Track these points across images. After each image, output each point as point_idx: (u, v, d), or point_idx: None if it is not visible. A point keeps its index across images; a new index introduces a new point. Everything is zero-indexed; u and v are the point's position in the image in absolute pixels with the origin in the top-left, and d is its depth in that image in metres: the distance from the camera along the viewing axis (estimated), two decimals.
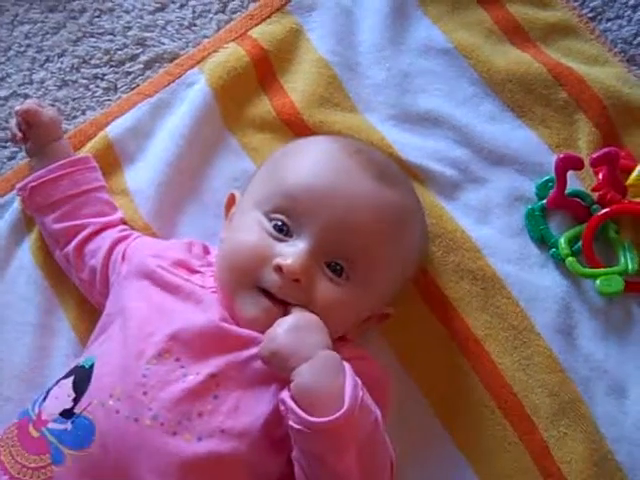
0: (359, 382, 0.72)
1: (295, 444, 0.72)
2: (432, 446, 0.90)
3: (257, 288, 0.78)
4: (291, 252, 0.78)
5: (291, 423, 0.70)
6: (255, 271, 0.78)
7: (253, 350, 0.77)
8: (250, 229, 0.81)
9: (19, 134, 0.94)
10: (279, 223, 0.80)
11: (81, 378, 0.78)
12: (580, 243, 0.96)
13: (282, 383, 0.74)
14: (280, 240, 0.80)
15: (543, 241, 0.97)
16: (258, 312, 0.78)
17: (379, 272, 0.82)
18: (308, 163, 0.84)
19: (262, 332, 0.76)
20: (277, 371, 0.73)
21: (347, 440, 0.69)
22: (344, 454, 0.70)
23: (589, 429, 0.90)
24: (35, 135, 0.94)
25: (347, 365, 0.73)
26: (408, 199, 0.88)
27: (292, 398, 0.70)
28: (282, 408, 0.72)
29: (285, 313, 0.77)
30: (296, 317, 0.75)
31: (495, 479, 0.89)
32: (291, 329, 0.74)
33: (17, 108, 0.94)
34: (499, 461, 0.89)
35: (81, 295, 0.94)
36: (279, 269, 0.77)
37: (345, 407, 0.68)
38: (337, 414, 0.67)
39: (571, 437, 0.89)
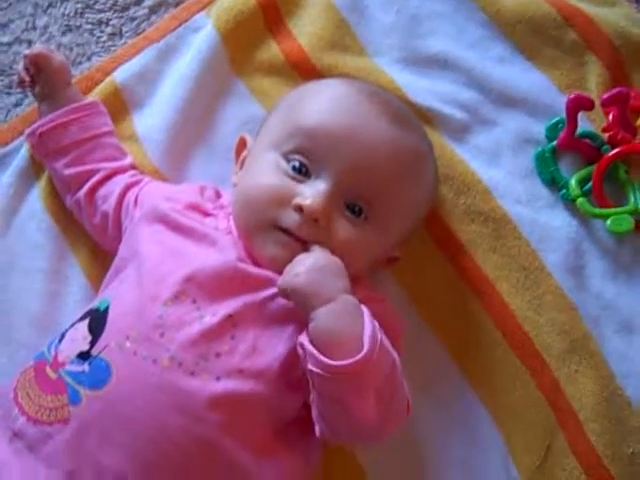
0: (377, 325, 0.72)
1: (313, 387, 0.73)
2: (445, 384, 0.92)
3: (276, 227, 0.79)
4: (310, 192, 0.78)
5: (310, 367, 0.71)
6: (274, 211, 0.79)
7: (270, 290, 0.78)
8: (268, 170, 0.81)
9: (27, 78, 0.93)
10: (297, 164, 0.80)
11: (97, 320, 0.78)
12: (590, 184, 0.96)
13: (299, 324, 0.75)
14: (299, 181, 0.80)
15: (553, 182, 0.97)
16: (279, 249, 0.78)
17: (396, 214, 0.83)
18: (326, 105, 0.83)
19: (280, 272, 0.76)
20: (297, 307, 0.74)
21: (366, 383, 0.70)
22: (363, 397, 0.71)
23: (599, 366, 0.91)
24: (45, 80, 0.93)
25: (365, 309, 0.73)
26: (423, 142, 0.88)
27: (311, 342, 0.71)
28: (300, 352, 0.72)
29: (305, 250, 0.77)
30: (318, 256, 0.76)
31: (507, 415, 0.90)
32: (313, 268, 0.74)
33: (27, 52, 0.93)
34: (511, 398, 0.91)
35: (92, 241, 0.94)
36: (299, 209, 0.77)
37: (365, 350, 0.69)
38: (357, 357, 0.68)
39: (581, 374, 0.91)
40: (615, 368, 0.92)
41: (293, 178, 0.80)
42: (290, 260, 0.76)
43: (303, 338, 0.72)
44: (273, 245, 0.79)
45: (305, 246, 0.78)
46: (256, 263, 0.80)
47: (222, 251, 0.80)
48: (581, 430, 0.89)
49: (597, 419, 0.89)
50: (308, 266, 0.74)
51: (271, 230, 0.79)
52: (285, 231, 0.78)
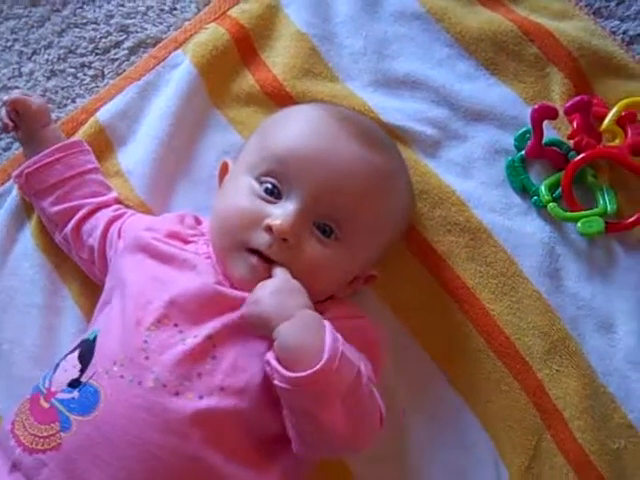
0: (339, 337, 0.74)
1: (283, 403, 0.76)
2: (431, 391, 0.94)
3: (247, 249, 0.82)
4: (280, 213, 0.81)
5: (276, 382, 0.73)
6: (246, 232, 0.82)
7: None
8: (241, 193, 0.84)
9: (10, 123, 0.97)
10: (269, 186, 0.83)
11: (86, 350, 0.81)
12: (560, 189, 0.99)
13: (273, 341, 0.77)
14: (270, 202, 0.83)
15: (524, 190, 1.01)
16: (247, 271, 0.81)
17: (366, 234, 0.85)
18: (297, 128, 0.87)
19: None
20: (261, 332, 0.77)
21: (329, 392, 0.72)
22: (328, 407, 0.73)
23: (581, 364, 0.93)
24: (25, 123, 0.97)
25: (327, 322, 0.76)
26: (394, 162, 0.91)
27: (276, 358, 0.74)
28: (267, 369, 0.75)
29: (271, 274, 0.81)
30: (279, 280, 0.79)
31: (494, 418, 0.93)
32: (273, 292, 0.77)
33: (5, 98, 0.98)
34: (496, 402, 0.93)
35: (83, 274, 0.97)
36: (269, 229, 0.80)
37: (323, 359, 0.71)
38: (316, 367, 0.70)
39: (564, 374, 0.93)
40: (596, 366, 0.94)
41: (265, 200, 0.83)
42: (260, 280, 0.79)
43: (269, 355, 0.75)
44: (243, 266, 0.82)
45: (273, 266, 0.81)
46: (233, 285, 0.83)
47: (201, 274, 0.83)
48: (567, 428, 0.91)
49: (582, 417, 0.91)
50: (268, 292, 0.77)
51: (242, 251, 0.82)
52: (255, 252, 0.81)
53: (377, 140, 0.90)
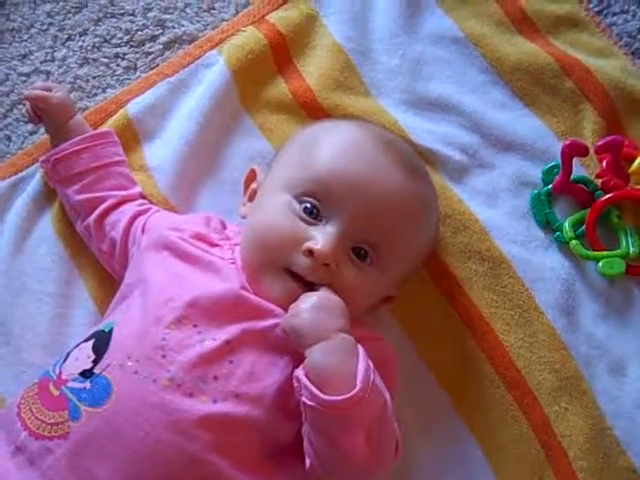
0: (371, 365, 0.74)
1: (306, 420, 0.75)
2: (438, 418, 0.94)
3: (285, 270, 0.81)
4: (321, 237, 0.80)
5: (304, 399, 0.73)
6: (285, 253, 0.81)
7: (270, 321, 0.80)
8: (280, 212, 0.83)
9: (35, 118, 0.97)
10: (309, 206, 0.83)
11: (101, 341, 0.80)
12: (584, 227, 0.99)
13: (296, 354, 0.77)
14: (310, 223, 0.82)
15: (548, 224, 1.01)
16: (285, 293, 0.81)
17: (399, 259, 0.86)
18: (341, 150, 0.85)
19: (281, 306, 0.80)
20: (294, 345, 0.77)
21: (356, 420, 0.72)
22: (352, 433, 0.73)
23: (589, 405, 0.93)
24: (48, 117, 0.97)
25: (361, 349, 0.75)
26: (429, 190, 0.91)
27: (306, 375, 0.73)
28: (296, 384, 0.75)
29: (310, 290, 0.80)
30: (322, 297, 0.78)
31: (497, 450, 0.92)
32: (314, 308, 0.77)
33: (25, 94, 0.97)
34: (502, 433, 0.92)
35: (100, 266, 0.96)
36: (310, 253, 0.79)
37: (357, 388, 0.71)
38: (349, 394, 0.70)
39: (572, 412, 0.93)
40: (605, 408, 0.94)
41: (304, 220, 0.82)
42: (294, 301, 0.79)
43: (299, 372, 0.75)
44: (281, 288, 0.81)
45: (311, 290, 0.80)
46: (256, 293, 0.82)
47: (225, 279, 0.83)
48: (570, 467, 0.91)
49: (586, 457, 0.91)
50: (309, 306, 0.77)
51: (281, 273, 0.81)
52: (294, 275, 0.81)
53: (417, 169, 0.90)
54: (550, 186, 1.01)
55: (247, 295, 0.81)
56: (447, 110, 1.06)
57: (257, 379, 0.78)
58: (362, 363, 0.73)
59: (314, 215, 0.82)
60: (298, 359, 0.76)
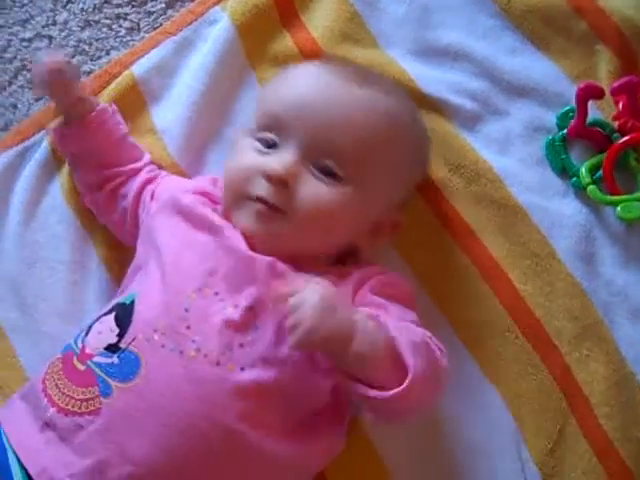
0: (401, 326, 0.75)
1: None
2: (457, 369, 0.91)
3: (250, 199, 0.82)
4: (277, 160, 0.81)
5: (367, 403, 0.75)
6: (247, 185, 0.82)
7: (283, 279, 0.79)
8: (242, 153, 0.85)
9: (42, 91, 0.95)
10: (264, 138, 0.84)
11: (123, 314, 0.80)
12: (601, 172, 0.97)
13: None
14: (267, 155, 0.83)
15: (564, 170, 0.98)
16: (253, 219, 0.81)
17: (375, 172, 0.84)
18: (287, 81, 0.88)
19: (266, 246, 0.81)
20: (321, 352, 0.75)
21: (416, 397, 0.73)
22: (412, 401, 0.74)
23: (610, 351, 0.92)
24: (59, 94, 0.92)
25: (382, 320, 0.75)
26: (396, 103, 0.88)
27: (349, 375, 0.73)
28: (355, 395, 0.75)
29: (280, 217, 0.80)
30: (309, 295, 0.72)
31: (519, 400, 0.91)
32: (313, 311, 0.70)
33: (37, 66, 0.90)
34: (522, 383, 0.92)
35: (111, 233, 0.96)
36: (268, 178, 0.80)
37: (411, 370, 0.71)
38: (406, 382, 0.71)
39: (593, 359, 0.92)
40: (626, 353, 0.93)
41: (264, 154, 0.83)
42: (268, 228, 0.80)
43: (357, 387, 0.73)
44: (249, 215, 0.82)
45: (284, 215, 0.80)
46: (253, 249, 0.81)
47: (237, 243, 0.82)
48: (592, 414, 0.90)
49: (608, 403, 0.90)
50: (308, 311, 0.70)
51: (245, 202, 0.82)
52: (259, 200, 0.81)
53: (371, 78, 0.89)
54: (565, 131, 0.98)
55: (255, 255, 0.81)
56: (457, 58, 1.03)
57: (282, 342, 0.76)
58: (399, 338, 0.73)
59: (271, 146, 0.83)
60: None
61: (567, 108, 0.99)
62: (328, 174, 0.81)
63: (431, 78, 1.01)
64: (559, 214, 0.97)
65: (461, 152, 0.98)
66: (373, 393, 0.71)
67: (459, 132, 1.00)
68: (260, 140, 0.84)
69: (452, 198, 0.96)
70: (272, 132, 0.84)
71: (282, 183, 0.80)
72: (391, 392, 0.71)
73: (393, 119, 0.86)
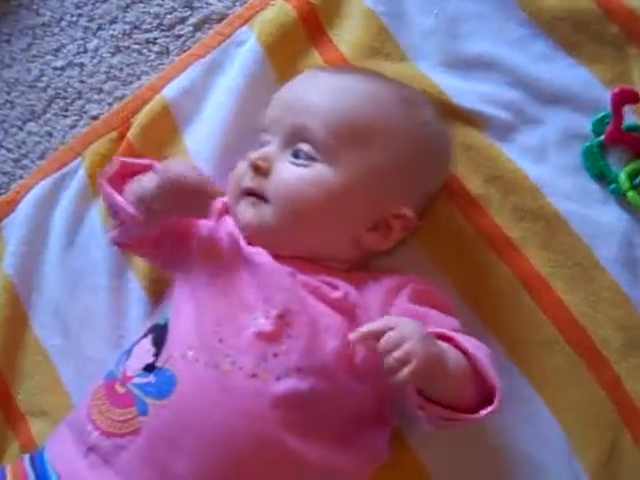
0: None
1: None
2: (505, 383, 0.90)
3: (240, 194, 0.84)
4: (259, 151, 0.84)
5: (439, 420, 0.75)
6: (239, 183, 0.85)
7: (313, 285, 0.80)
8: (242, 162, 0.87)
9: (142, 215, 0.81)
10: (261, 140, 0.87)
11: (159, 334, 0.80)
12: None
13: (346, 314, 0.78)
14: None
15: (602, 177, 0.97)
16: (244, 209, 0.83)
17: (352, 152, 0.82)
18: (287, 84, 0.91)
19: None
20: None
21: None
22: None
23: None
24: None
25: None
26: (373, 83, 0.87)
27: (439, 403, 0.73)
28: (421, 413, 0.74)
29: (264, 205, 0.82)
30: (415, 332, 0.70)
31: (568, 412, 0.90)
32: (423, 344, 0.69)
33: (154, 179, 0.79)
34: (570, 394, 0.90)
35: None
36: (248, 166, 0.84)
37: (498, 390, 0.74)
38: (494, 404, 0.73)
39: None
40: None
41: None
42: (260, 219, 0.82)
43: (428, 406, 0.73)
44: (242, 210, 0.84)
45: (262, 201, 0.82)
46: (275, 257, 0.82)
47: (259, 255, 0.82)
48: None
49: None
50: (416, 344, 0.69)
51: (239, 199, 0.85)
52: (245, 192, 0.84)
53: (350, 70, 0.91)
54: (602, 137, 0.97)
55: (278, 264, 0.81)
56: (488, 68, 1.02)
57: (317, 349, 0.77)
58: (480, 356, 0.75)
59: (264, 144, 0.85)
60: (349, 318, 0.78)
61: (602, 114, 0.98)
62: (305, 157, 0.82)
63: (462, 89, 1.00)
64: (600, 222, 0.95)
65: (496, 163, 0.97)
66: (465, 417, 0.73)
67: (493, 143, 0.98)
68: (260, 143, 0.87)
69: (490, 210, 0.95)
70: (266, 132, 0.86)
71: (256, 168, 0.82)
72: (483, 413, 0.73)
73: (378, 104, 0.85)
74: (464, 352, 0.75)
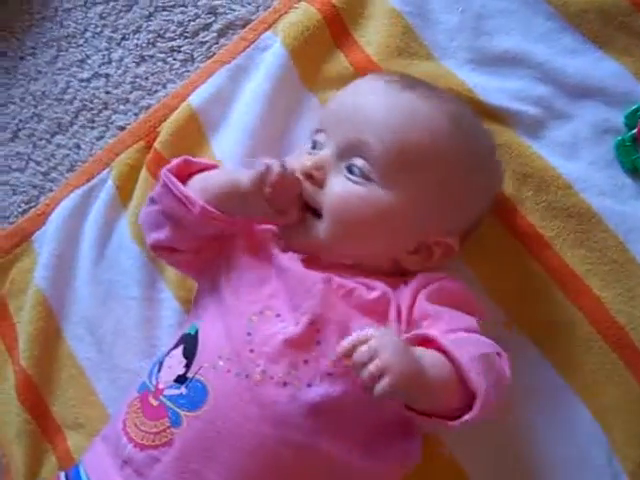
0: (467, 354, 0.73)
1: None
2: (541, 383, 0.91)
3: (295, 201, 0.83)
4: (313, 157, 0.83)
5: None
6: (292, 184, 0.82)
7: (340, 291, 0.79)
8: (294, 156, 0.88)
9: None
10: (314, 140, 0.86)
11: (189, 345, 0.80)
12: None
13: (375, 314, 0.78)
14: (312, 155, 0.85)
15: (636, 171, 0.96)
16: (299, 227, 0.82)
17: (408, 176, 0.81)
18: (342, 90, 0.90)
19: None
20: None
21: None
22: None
23: None
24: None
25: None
26: (434, 103, 0.85)
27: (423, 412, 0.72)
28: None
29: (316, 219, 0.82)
30: (390, 344, 0.69)
31: (607, 411, 0.89)
32: (398, 357, 0.68)
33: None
34: (609, 394, 0.89)
35: None
36: (300, 172, 0.82)
37: (480, 394, 0.70)
38: (477, 404, 0.70)
39: None
40: None
41: (310, 154, 0.85)
42: (306, 231, 0.82)
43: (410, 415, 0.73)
44: (293, 222, 0.83)
45: (315, 216, 0.82)
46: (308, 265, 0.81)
47: (290, 262, 0.82)
48: None
49: None
50: (391, 357, 0.67)
51: (289, 203, 0.82)
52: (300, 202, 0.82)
53: (412, 82, 0.87)
54: (635, 130, 0.96)
55: (309, 271, 0.80)
56: (515, 64, 1.01)
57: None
58: (465, 360, 0.72)
59: (317, 148, 0.85)
60: (382, 320, 0.77)
61: (634, 107, 0.97)
62: (360, 175, 0.81)
63: (490, 87, 0.99)
64: (635, 216, 0.94)
65: (527, 160, 0.96)
66: (448, 423, 0.71)
67: (523, 140, 0.97)
68: (313, 142, 0.86)
69: (522, 208, 0.94)
70: (321, 133, 0.85)
71: (309, 176, 0.81)
72: (463, 419, 0.71)
73: (437, 126, 0.83)
74: (449, 354, 0.73)
